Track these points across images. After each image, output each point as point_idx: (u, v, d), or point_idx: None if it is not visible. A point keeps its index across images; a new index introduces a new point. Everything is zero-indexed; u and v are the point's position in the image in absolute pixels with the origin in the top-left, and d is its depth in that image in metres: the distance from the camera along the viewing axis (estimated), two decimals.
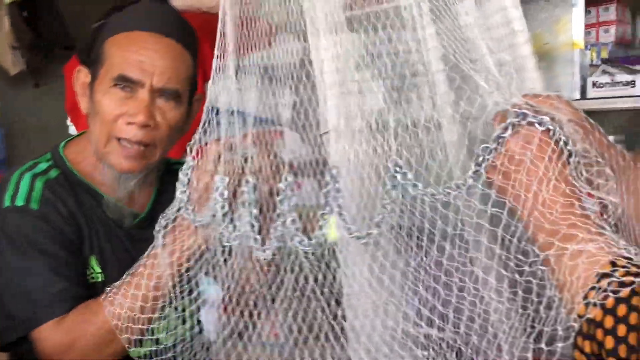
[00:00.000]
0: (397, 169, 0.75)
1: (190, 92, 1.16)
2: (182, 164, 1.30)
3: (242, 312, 0.97)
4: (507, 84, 0.77)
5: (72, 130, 2.21)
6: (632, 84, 1.59)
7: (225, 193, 0.89)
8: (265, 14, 0.94)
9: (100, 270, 1.08)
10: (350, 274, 0.83)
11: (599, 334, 0.56)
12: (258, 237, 0.85)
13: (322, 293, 0.85)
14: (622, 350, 0.54)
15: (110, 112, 1.06)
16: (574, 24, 1.69)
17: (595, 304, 0.57)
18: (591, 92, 1.65)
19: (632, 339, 0.54)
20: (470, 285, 0.77)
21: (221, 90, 0.92)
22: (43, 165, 1.11)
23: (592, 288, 0.59)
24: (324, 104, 0.86)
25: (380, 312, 0.80)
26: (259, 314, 0.97)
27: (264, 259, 0.87)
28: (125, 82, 1.05)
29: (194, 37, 1.17)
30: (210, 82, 0.97)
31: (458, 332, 0.77)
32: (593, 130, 0.73)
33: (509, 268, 0.72)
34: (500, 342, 0.73)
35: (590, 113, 0.78)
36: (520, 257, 0.71)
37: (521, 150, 0.68)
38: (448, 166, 0.82)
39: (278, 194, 0.84)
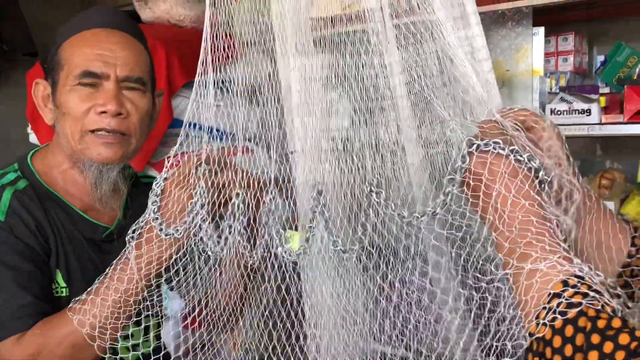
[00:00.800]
0: (373, 188, 0.78)
1: (152, 85, 1.16)
2: (149, 177, 1.29)
3: (208, 326, 0.97)
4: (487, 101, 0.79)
5: (33, 138, 2.16)
6: (587, 112, 1.65)
7: (205, 205, 0.89)
8: (235, 32, 0.94)
9: (65, 285, 1.06)
10: (314, 288, 0.84)
11: (548, 352, 0.59)
12: (247, 244, 0.87)
13: (292, 304, 0.87)
14: None
15: (79, 107, 1.05)
16: (534, 52, 1.75)
17: (545, 324, 0.60)
18: (549, 119, 1.70)
19: (578, 359, 0.56)
20: (431, 305, 0.78)
21: (200, 105, 0.92)
22: (11, 176, 1.08)
23: (544, 308, 0.61)
24: (291, 123, 0.87)
25: (340, 328, 0.81)
26: (224, 327, 0.97)
27: (251, 266, 0.87)
28: (89, 78, 1.05)
29: (143, 35, 1.18)
30: (192, 97, 0.97)
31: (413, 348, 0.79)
32: (566, 158, 0.76)
33: (467, 287, 0.74)
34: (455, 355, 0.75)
35: None
36: (478, 275, 0.73)
37: (478, 176, 0.71)
38: (412, 188, 0.84)
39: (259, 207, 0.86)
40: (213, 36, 0.89)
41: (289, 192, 0.85)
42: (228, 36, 0.93)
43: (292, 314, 0.88)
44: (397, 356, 0.85)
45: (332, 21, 0.92)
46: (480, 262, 0.74)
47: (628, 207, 1.71)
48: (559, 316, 0.59)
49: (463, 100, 0.79)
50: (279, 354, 0.88)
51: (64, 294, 1.06)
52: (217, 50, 0.91)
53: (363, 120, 0.85)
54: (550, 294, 0.61)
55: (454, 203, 0.75)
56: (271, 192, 0.86)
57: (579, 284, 0.61)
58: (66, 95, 1.07)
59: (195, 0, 2.32)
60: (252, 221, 0.90)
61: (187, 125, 0.97)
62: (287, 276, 0.86)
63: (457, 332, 0.76)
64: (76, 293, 1.01)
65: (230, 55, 0.92)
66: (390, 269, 0.82)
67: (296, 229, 0.85)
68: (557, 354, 0.58)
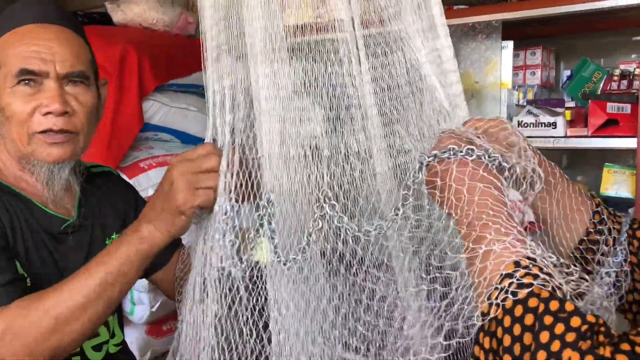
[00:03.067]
0: (327, 199, 0.78)
1: (95, 75, 1.13)
2: (98, 166, 1.27)
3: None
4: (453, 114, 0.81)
5: None
6: (553, 125, 1.69)
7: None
8: (208, 35, 0.94)
9: (24, 275, 1.01)
10: (276, 297, 0.83)
11: (499, 331, 0.60)
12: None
13: (252, 315, 0.85)
14: (517, 349, 0.57)
15: (22, 110, 1.02)
16: (503, 65, 1.79)
17: (497, 304, 0.61)
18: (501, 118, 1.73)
19: (526, 339, 0.57)
20: (391, 310, 0.79)
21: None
22: None
23: (496, 288, 0.62)
24: (259, 129, 0.86)
25: (302, 337, 0.81)
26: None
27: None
28: (28, 76, 1.02)
29: (79, 23, 1.15)
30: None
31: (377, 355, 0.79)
32: (527, 149, 0.79)
33: (426, 281, 0.75)
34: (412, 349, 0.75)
35: None
36: (438, 265, 0.74)
37: (436, 176, 0.74)
38: (380, 197, 0.85)
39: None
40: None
41: (254, 198, 0.84)
42: (198, 37, 0.92)
43: (255, 323, 0.87)
44: None
45: (303, 29, 0.92)
46: (441, 254, 0.76)
47: None
48: (510, 296, 0.60)
49: (431, 109, 0.80)
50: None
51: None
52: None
53: (332, 128, 0.86)
54: (502, 274, 0.62)
55: (413, 213, 0.76)
56: (231, 199, 0.85)
57: (530, 265, 0.62)
58: (7, 98, 1.03)
59: (168, 4, 2.31)
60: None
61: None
62: (244, 288, 0.85)
63: (420, 327, 0.76)
64: (36, 284, 0.99)
65: (200, 56, 0.92)
66: (352, 274, 0.83)
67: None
68: (507, 333, 0.59)
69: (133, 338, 2.01)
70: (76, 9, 2.42)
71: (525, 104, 1.86)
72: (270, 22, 0.83)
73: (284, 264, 0.78)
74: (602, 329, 0.56)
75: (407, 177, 0.74)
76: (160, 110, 2.15)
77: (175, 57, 2.15)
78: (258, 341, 0.84)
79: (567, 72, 2.01)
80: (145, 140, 2.19)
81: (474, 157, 0.71)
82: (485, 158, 0.71)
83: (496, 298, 0.61)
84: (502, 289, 0.61)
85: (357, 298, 0.83)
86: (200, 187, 0.89)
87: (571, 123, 1.70)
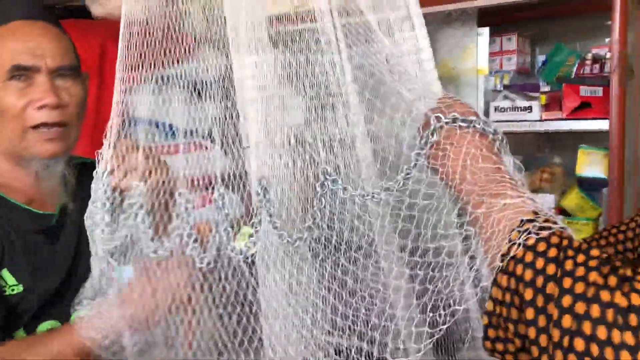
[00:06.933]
0: (327, 176, 0.81)
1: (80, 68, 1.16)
2: (86, 159, 1.28)
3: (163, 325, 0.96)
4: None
5: None
6: (529, 109, 1.74)
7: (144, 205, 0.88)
8: (187, 26, 0.95)
9: (15, 282, 1.03)
10: (266, 281, 0.85)
11: (519, 269, 0.61)
12: (197, 245, 0.86)
13: (246, 300, 0.88)
14: (540, 280, 0.59)
15: (15, 105, 1.04)
16: (479, 51, 1.82)
17: (518, 244, 0.62)
18: (493, 116, 1.78)
19: (549, 269, 0.59)
20: (379, 290, 0.82)
21: (141, 100, 0.92)
22: None
23: (518, 231, 0.64)
24: (244, 118, 0.88)
25: (293, 319, 0.84)
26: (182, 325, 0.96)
27: (204, 268, 0.87)
28: (20, 72, 1.04)
29: (57, 19, 1.17)
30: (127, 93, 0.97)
31: (364, 338, 0.82)
32: None
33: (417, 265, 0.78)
34: (400, 328, 0.77)
35: None
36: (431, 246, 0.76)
37: (446, 139, 0.75)
38: (362, 183, 0.87)
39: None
40: (163, 27, 0.89)
41: (242, 187, 0.86)
42: (179, 32, 0.94)
43: (247, 311, 0.88)
44: (352, 346, 0.87)
45: (282, 19, 0.94)
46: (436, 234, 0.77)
47: (567, 199, 1.80)
48: (533, 235, 0.62)
49: (410, 96, 0.82)
50: (235, 352, 0.89)
51: (15, 292, 1.03)
52: (169, 42, 0.92)
53: (315, 116, 0.88)
54: (522, 220, 0.64)
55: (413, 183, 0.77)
56: (218, 189, 0.87)
57: (550, 216, 0.65)
58: None
59: None
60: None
61: (129, 121, 0.96)
62: (240, 274, 0.86)
63: (402, 310, 0.79)
64: (29, 288, 1.00)
65: (180, 48, 0.93)
66: (342, 258, 0.85)
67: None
68: (529, 268, 0.61)
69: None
70: (54, 3, 2.40)
71: (501, 89, 1.90)
72: (253, 11, 0.85)
73: (291, 244, 0.80)
74: (619, 262, 0.58)
75: (419, 140, 0.75)
76: None
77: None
78: (252, 326, 0.86)
79: (542, 57, 2.06)
80: None
81: (471, 126, 0.73)
82: (478, 126, 0.74)
83: (518, 238, 0.63)
84: (524, 231, 0.63)
85: (344, 280, 0.85)
86: None
87: (546, 107, 1.74)
